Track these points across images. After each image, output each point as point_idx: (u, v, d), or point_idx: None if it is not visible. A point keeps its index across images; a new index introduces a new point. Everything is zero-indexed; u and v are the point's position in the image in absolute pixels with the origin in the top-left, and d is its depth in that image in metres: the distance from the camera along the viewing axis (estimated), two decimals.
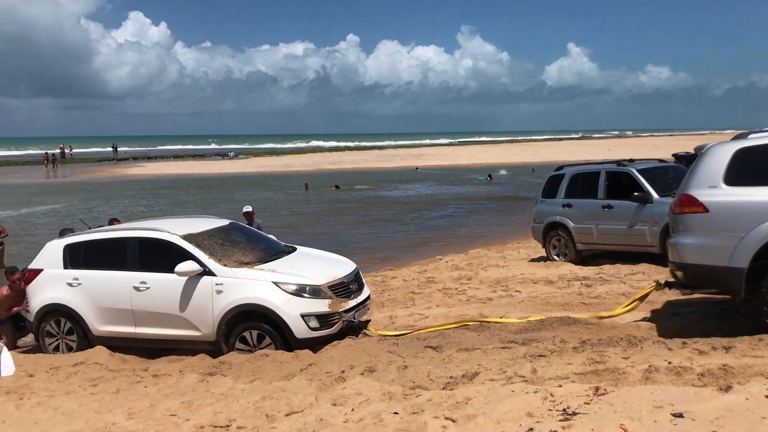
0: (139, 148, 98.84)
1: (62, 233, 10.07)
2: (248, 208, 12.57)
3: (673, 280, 7.17)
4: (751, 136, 6.83)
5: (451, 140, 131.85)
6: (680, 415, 3.94)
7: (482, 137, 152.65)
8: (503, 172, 44.21)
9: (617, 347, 5.92)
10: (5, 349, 7.84)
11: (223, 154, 78.70)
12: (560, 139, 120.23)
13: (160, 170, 55.27)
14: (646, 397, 4.31)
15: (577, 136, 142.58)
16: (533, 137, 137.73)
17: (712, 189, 6.49)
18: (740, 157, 6.52)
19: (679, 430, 3.76)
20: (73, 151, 78.05)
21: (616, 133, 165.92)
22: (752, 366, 4.87)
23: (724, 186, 6.46)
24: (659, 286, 7.52)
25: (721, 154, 6.63)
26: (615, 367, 5.26)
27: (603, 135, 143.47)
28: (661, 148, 49.95)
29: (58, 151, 70.74)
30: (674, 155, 15.00)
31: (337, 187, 35.55)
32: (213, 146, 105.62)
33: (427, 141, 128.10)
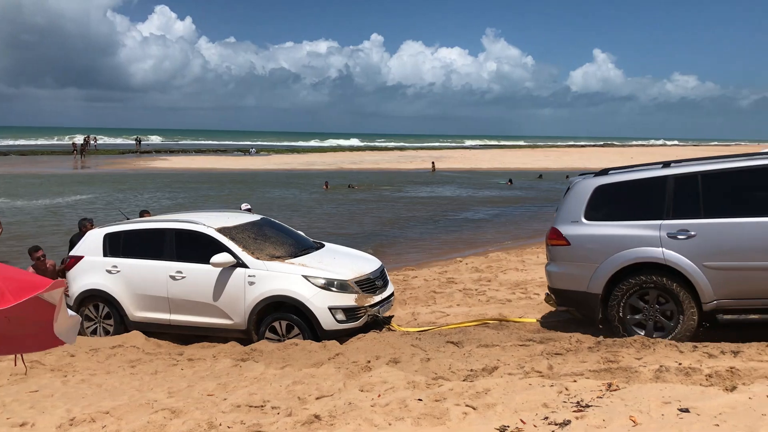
0: (161, 141, 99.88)
1: (81, 223, 10.53)
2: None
3: None
4: (610, 172, 7.25)
5: (472, 143, 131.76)
6: (686, 410, 4.24)
7: (504, 141, 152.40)
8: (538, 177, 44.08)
9: (631, 348, 6.22)
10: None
11: (244, 150, 79.42)
12: (583, 146, 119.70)
13: (183, 164, 55.87)
14: (655, 394, 4.61)
15: (600, 143, 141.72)
16: (557, 143, 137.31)
17: (574, 224, 7.14)
18: (599, 193, 7.08)
19: (684, 423, 4.06)
20: (98, 142, 78.96)
21: (641, 141, 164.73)
22: (758, 369, 5.16)
23: (584, 221, 7.09)
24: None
25: (584, 189, 7.17)
26: (628, 366, 5.57)
27: (627, 143, 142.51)
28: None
29: (82, 141, 71.67)
30: None
31: (350, 186, 35.92)
32: (232, 142, 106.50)
33: (449, 143, 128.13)
